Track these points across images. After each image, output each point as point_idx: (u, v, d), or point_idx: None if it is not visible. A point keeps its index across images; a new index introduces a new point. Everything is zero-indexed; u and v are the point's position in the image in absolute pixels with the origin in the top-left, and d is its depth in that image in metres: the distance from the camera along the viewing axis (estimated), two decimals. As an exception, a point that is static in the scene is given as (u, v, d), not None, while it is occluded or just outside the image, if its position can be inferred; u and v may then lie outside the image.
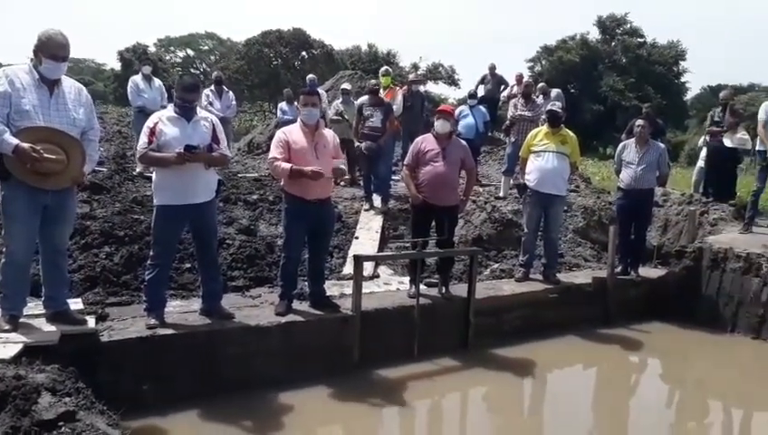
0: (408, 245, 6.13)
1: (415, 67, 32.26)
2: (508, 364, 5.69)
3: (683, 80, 33.97)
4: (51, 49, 3.73)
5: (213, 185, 4.63)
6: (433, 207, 5.77)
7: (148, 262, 4.57)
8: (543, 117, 7.50)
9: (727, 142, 8.98)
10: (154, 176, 4.56)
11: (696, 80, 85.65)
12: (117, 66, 38.14)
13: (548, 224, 6.75)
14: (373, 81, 8.63)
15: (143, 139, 4.42)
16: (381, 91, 9.01)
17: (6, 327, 3.85)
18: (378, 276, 6.51)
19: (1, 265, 3.91)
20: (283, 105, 11.24)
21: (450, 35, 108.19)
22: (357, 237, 7.18)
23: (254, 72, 30.28)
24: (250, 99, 31.61)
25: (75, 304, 4.43)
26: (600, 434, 4.84)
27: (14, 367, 3.28)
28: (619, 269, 7.20)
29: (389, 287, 6.14)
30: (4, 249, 3.90)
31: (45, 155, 3.64)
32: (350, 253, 6.64)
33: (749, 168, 11.54)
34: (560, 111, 6.77)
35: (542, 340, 6.27)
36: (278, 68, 29.86)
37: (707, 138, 9.52)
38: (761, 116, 7.68)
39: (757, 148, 7.88)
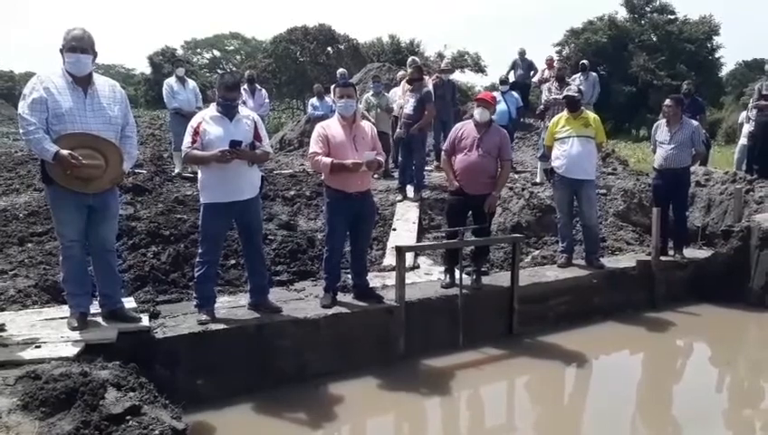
0: (443, 235, 6.12)
1: (440, 56, 31.98)
2: (554, 351, 5.64)
3: (717, 55, 32.96)
4: (68, 42, 3.80)
5: (257, 182, 4.69)
6: (468, 195, 5.75)
7: (197, 259, 4.66)
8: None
9: None
10: (200, 175, 4.64)
11: (730, 55, 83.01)
12: (146, 71, 38.90)
13: (582, 210, 6.64)
14: (409, 69, 8.60)
15: (187, 139, 4.50)
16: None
17: (76, 324, 3.97)
18: (418, 267, 6.51)
19: (60, 263, 4.06)
20: (313, 101, 11.26)
21: (473, 22, 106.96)
22: (395, 229, 7.20)
23: (282, 69, 30.42)
24: (278, 96, 31.81)
25: (128, 302, 4.53)
26: (650, 422, 4.74)
27: (78, 365, 3.38)
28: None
29: (430, 277, 6.14)
30: (61, 247, 4.04)
31: (84, 161, 3.72)
32: (389, 244, 6.66)
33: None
34: (576, 94, 6.66)
35: (587, 326, 6.20)
36: (305, 64, 29.93)
37: (754, 112, 9.23)
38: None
39: None
